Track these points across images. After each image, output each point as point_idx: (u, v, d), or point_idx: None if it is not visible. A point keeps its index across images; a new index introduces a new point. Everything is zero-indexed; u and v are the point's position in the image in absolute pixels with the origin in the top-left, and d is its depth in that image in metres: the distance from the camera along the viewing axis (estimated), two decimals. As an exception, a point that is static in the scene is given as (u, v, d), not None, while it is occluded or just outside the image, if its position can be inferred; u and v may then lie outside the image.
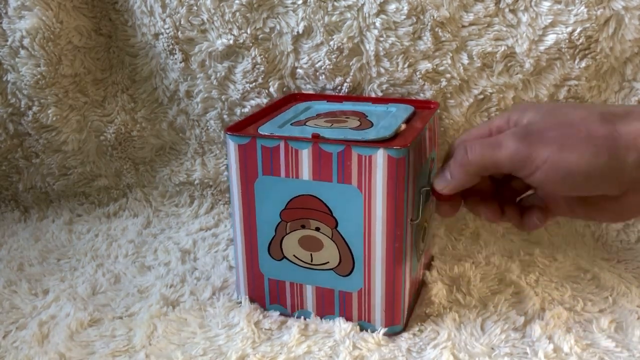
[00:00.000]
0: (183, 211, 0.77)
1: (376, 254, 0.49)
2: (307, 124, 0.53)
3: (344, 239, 0.50)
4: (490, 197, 0.48)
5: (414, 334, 0.51)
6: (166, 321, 0.53)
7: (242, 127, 0.53)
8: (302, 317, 0.54)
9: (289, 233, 0.51)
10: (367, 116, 0.56)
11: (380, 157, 0.46)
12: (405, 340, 0.51)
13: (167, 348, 0.50)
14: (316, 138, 0.48)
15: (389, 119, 0.54)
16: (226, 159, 0.76)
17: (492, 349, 0.49)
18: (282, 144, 0.49)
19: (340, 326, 0.51)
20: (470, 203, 0.48)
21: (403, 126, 0.52)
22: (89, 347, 0.50)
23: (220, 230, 0.72)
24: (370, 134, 0.48)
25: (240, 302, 0.56)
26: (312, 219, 0.50)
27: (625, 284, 0.58)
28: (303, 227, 0.51)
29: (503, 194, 0.48)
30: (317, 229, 0.50)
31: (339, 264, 0.51)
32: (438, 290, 0.57)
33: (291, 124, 0.54)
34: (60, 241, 0.71)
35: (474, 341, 0.50)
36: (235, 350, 0.49)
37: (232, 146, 0.50)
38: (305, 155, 0.48)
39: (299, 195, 0.50)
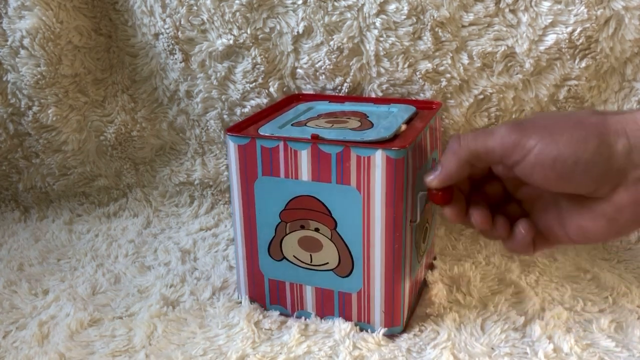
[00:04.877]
0: (183, 211, 0.77)
1: (375, 255, 0.49)
2: (307, 124, 0.53)
3: (343, 240, 0.50)
4: (482, 204, 0.45)
5: (414, 334, 0.51)
6: (166, 321, 0.53)
7: (243, 128, 0.53)
8: (303, 317, 0.54)
9: (288, 233, 0.51)
10: (367, 116, 0.56)
11: (379, 158, 0.46)
12: (405, 340, 0.51)
13: (167, 348, 0.50)
14: (315, 139, 0.48)
15: (390, 119, 0.54)
16: (226, 159, 0.76)
17: (492, 349, 0.49)
18: (281, 145, 0.49)
19: (340, 326, 0.51)
20: (462, 206, 0.45)
21: (403, 127, 0.51)
22: (89, 347, 0.50)
23: (220, 230, 0.72)
24: (370, 135, 0.48)
25: (240, 302, 0.56)
26: (311, 220, 0.50)
27: (625, 284, 0.58)
28: (302, 227, 0.51)
29: (494, 212, 0.46)
30: (317, 230, 0.50)
31: (338, 264, 0.51)
32: (438, 291, 0.57)
33: (292, 125, 0.54)
34: (60, 241, 0.71)
35: (474, 341, 0.50)
36: (235, 350, 0.49)
37: (232, 146, 0.51)
38: (305, 156, 0.48)
39: (298, 196, 0.50)
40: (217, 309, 0.55)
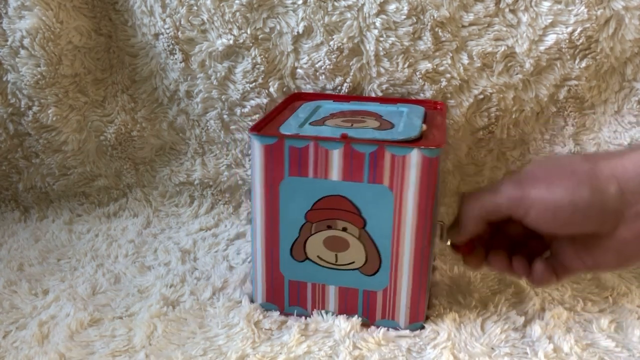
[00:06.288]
0: (183, 211, 0.77)
1: (404, 253, 0.49)
2: (326, 123, 0.53)
3: (371, 238, 0.50)
4: (500, 249, 0.50)
5: (414, 334, 0.51)
6: (166, 321, 0.53)
7: (262, 127, 0.52)
8: (303, 317, 0.54)
9: (313, 234, 0.51)
10: (382, 116, 0.56)
11: (414, 157, 0.46)
12: (405, 340, 0.51)
13: (167, 348, 0.50)
14: (346, 138, 0.48)
15: (407, 119, 0.54)
16: (226, 158, 0.76)
17: (492, 349, 0.49)
18: (311, 145, 0.48)
19: (340, 326, 0.51)
20: (482, 255, 0.51)
21: (424, 126, 0.52)
22: (89, 347, 0.50)
23: (220, 230, 0.72)
24: (400, 134, 0.48)
25: (241, 302, 0.55)
26: (339, 220, 0.50)
27: (626, 284, 0.58)
28: (329, 227, 0.50)
29: (516, 250, 0.50)
30: (344, 229, 0.50)
31: (364, 263, 0.51)
32: (438, 291, 0.56)
33: (309, 124, 0.53)
34: (60, 241, 0.71)
35: (474, 341, 0.50)
36: (235, 350, 0.49)
37: (257, 147, 0.49)
38: (336, 156, 0.48)
39: (326, 196, 0.49)
40: (217, 309, 0.55)
